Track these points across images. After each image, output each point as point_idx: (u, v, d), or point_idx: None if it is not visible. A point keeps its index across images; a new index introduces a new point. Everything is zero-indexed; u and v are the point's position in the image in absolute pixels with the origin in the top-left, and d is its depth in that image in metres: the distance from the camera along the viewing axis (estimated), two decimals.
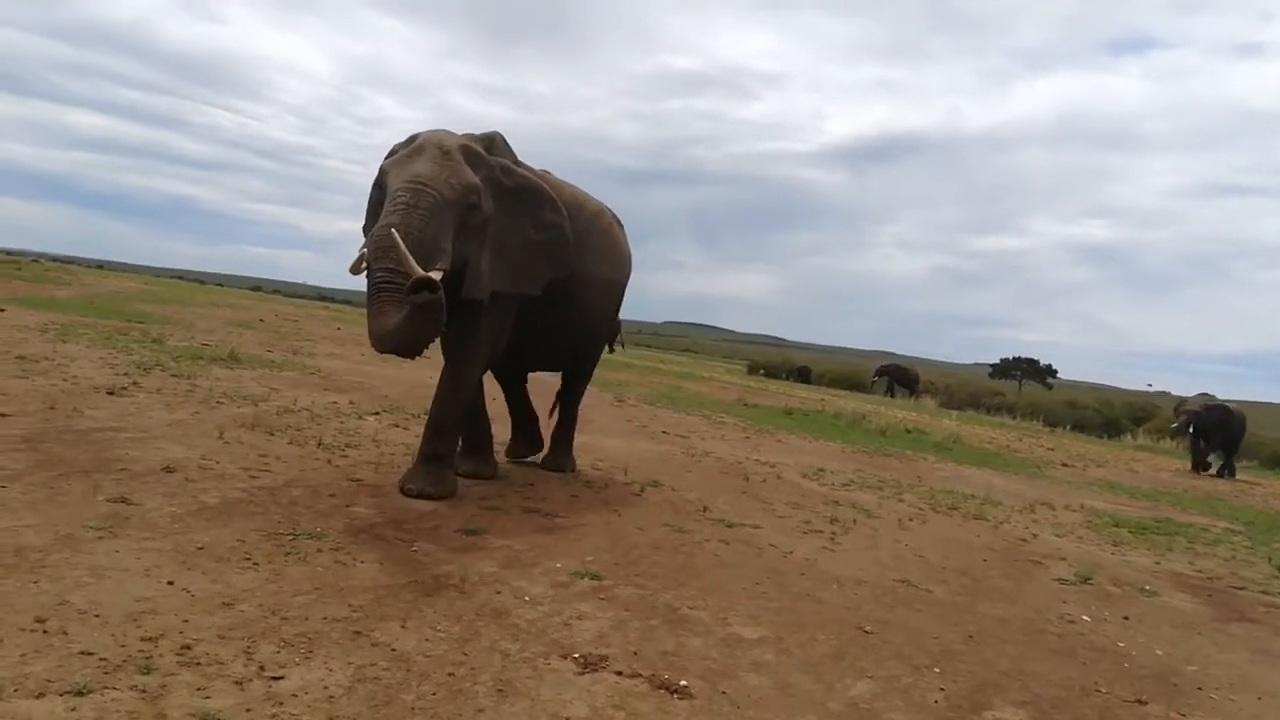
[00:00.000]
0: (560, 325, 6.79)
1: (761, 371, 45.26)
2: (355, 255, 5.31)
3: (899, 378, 40.27)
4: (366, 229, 5.87)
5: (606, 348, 33.13)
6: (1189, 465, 19.68)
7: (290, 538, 4.41)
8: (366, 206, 6.01)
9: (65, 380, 7.69)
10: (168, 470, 5.27)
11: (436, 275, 4.94)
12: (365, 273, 5.17)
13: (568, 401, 7.79)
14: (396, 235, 4.90)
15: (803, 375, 43.07)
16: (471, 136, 5.97)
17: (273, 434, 6.87)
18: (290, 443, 6.68)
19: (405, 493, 5.65)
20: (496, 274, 5.92)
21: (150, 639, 3.04)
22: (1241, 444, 20.44)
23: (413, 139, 5.75)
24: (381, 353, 5.24)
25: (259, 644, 3.15)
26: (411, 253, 4.89)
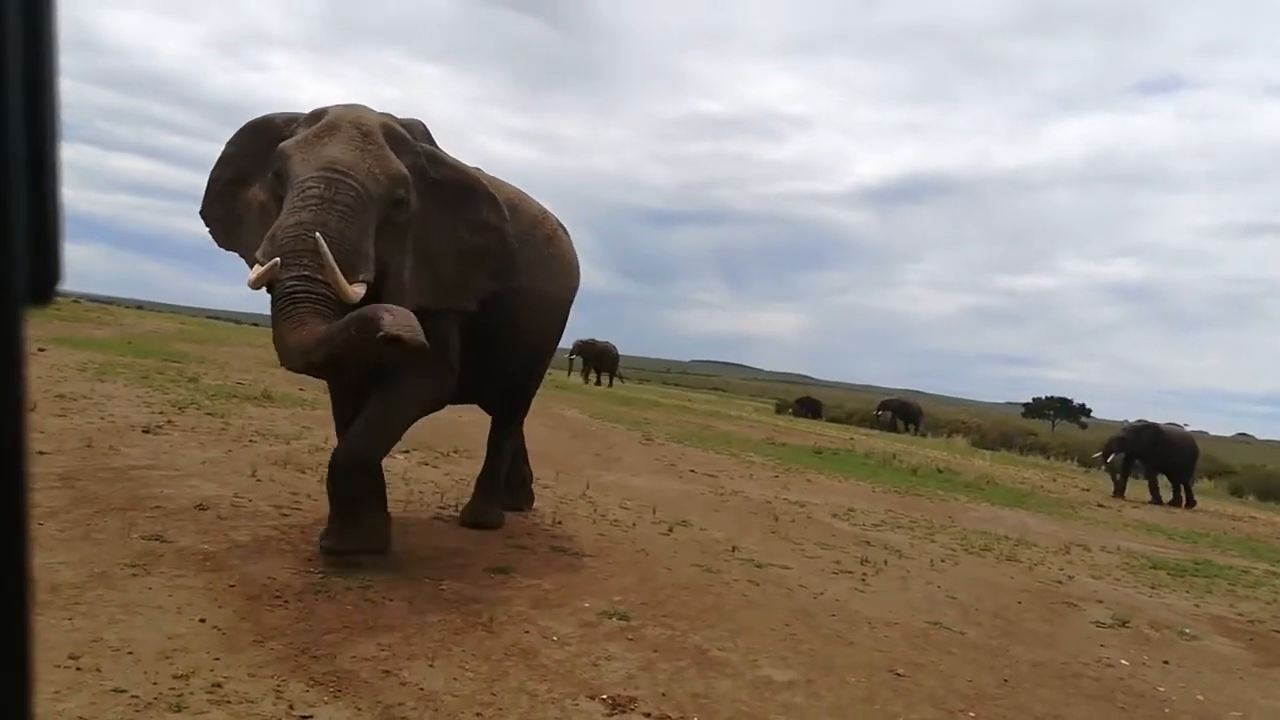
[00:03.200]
0: (491, 350, 5.64)
1: (790, 410, 44.98)
2: (258, 267, 4.15)
3: (902, 412, 40.43)
4: (204, 213, 4.99)
5: (605, 380, 33.39)
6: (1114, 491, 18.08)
7: (320, 576, 4.43)
8: (206, 185, 5.02)
9: (103, 418, 7.81)
10: (201, 508, 5.33)
11: (359, 290, 4.22)
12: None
13: (497, 441, 6.61)
14: (320, 239, 4.02)
15: (810, 408, 42.50)
16: (392, 117, 4.89)
17: (304, 471, 6.93)
18: (321, 480, 6.70)
19: (322, 551, 4.72)
20: (421, 286, 4.86)
21: (182, 676, 3.06)
22: (1195, 469, 18.85)
23: (319, 114, 4.64)
24: (296, 371, 4.38)
25: (289, 682, 3.16)
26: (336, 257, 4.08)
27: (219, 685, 3.04)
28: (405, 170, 4.61)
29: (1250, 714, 4.60)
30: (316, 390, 10.24)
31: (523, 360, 6.25)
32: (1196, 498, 18.54)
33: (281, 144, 4.49)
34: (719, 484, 10.53)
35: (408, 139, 4.80)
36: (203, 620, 3.61)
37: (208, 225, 4.99)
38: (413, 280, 4.80)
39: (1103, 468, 20.31)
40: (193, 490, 5.75)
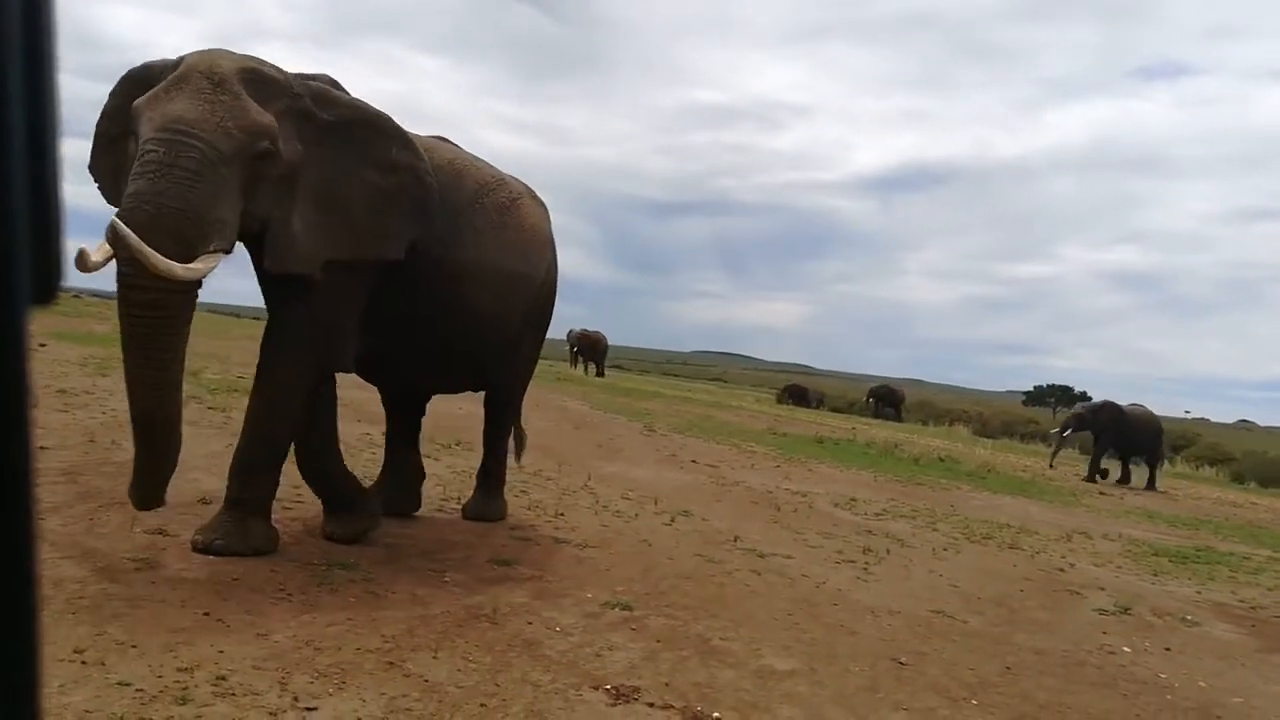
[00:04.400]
0: (438, 329, 5.25)
1: (789, 401, 45.01)
2: (102, 248, 3.66)
3: (887, 399, 41.55)
4: (92, 169, 4.64)
5: (587, 368, 33.67)
6: (1086, 474, 17.76)
7: (324, 568, 4.44)
8: (93, 138, 4.63)
9: (104, 413, 7.81)
10: (203, 501, 5.33)
11: (206, 264, 3.87)
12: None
13: (489, 434, 6.45)
14: (122, 228, 3.56)
15: (797, 395, 42.80)
16: (261, 61, 4.38)
17: None
18: None
19: (193, 546, 4.41)
20: (331, 236, 4.52)
21: (186, 669, 3.07)
22: (1160, 451, 18.52)
23: (178, 63, 4.17)
24: None
25: (293, 675, 3.17)
26: (171, 231, 3.73)
27: (223, 678, 3.05)
28: (269, 119, 4.16)
29: (1252, 699, 4.61)
30: None
31: (476, 343, 5.58)
32: (1159, 479, 18.32)
33: (135, 101, 4.07)
34: (721, 474, 10.54)
35: (279, 81, 4.35)
36: (207, 613, 3.62)
37: (96, 182, 4.63)
38: (317, 232, 4.47)
39: (1051, 448, 20.11)
40: (195, 484, 5.75)
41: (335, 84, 4.84)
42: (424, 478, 6.20)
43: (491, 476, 6.33)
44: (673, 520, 7.15)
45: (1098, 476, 17.69)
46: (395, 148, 4.78)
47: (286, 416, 4.65)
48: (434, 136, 5.62)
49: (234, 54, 4.28)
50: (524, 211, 5.83)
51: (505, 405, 6.43)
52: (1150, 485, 17.67)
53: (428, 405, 6.39)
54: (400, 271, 4.81)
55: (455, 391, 6.33)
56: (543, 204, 6.24)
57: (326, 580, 4.27)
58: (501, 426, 6.43)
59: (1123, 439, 17.85)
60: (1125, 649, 5.28)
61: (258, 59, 4.37)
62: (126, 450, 6.41)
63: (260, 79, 4.24)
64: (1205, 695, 4.59)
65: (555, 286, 6.45)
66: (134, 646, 3.20)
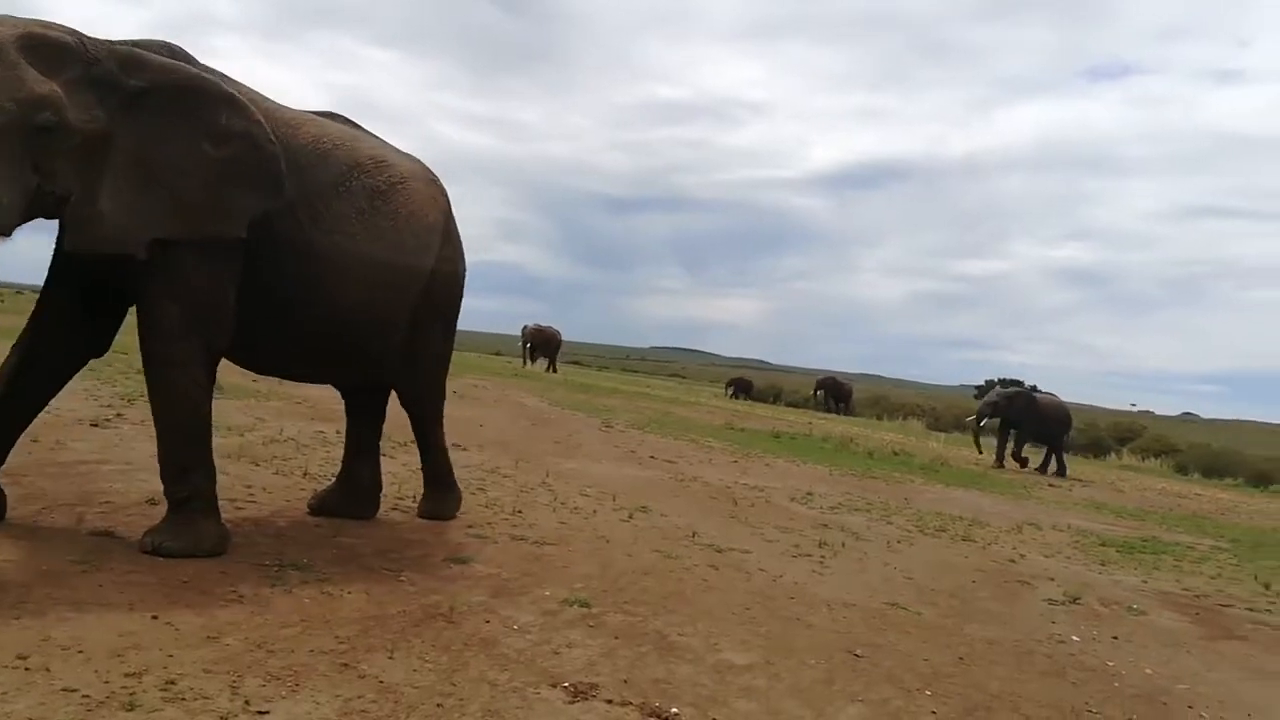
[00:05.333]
0: (301, 318, 4.88)
1: (745, 397, 45.35)
2: None
3: (835, 392, 42.30)
4: None
5: (548, 365, 33.57)
6: (995, 460, 18.28)
7: (276, 569, 4.37)
8: None
9: (47, 412, 7.57)
10: (152, 502, 5.21)
11: None
12: None
13: (417, 434, 6.12)
14: None
15: (742, 388, 43.88)
16: (50, 25, 4.01)
17: (258, 464, 6.82)
18: (276, 473, 6.64)
19: (141, 548, 4.31)
20: (153, 213, 4.20)
21: (134, 674, 3.00)
22: (1068, 438, 19.05)
23: None
24: None
25: (244, 678, 3.12)
26: None
27: (173, 682, 2.99)
28: (50, 89, 3.80)
29: (1197, 686, 4.74)
30: (269, 381, 10.08)
31: (349, 334, 5.15)
32: (1067, 464, 18.74)
33: None
34: (679, 470, 10.58)
35: (70, 47, 3.97)
36: (155, 616, 3.54)
37: None
38: (135, 209, 4.16)
39: (970, 432, 20.50)
40: (144, 485, 5.63)
41: (175, 51, 4.50)
42: (380, 487, 6.02)
43: (435, 474, 6.15)
44: (631, 516, 7.16)
45: (1013, 463, 18.13)
46: (225, 114, 4.38)
47: (192, 406, 4.47)
48: (323, 112, 5.38)
49: (17, 19, 3.93)
50: (406, 197, 5.33)
51: (417, 403, 5.96)
52: (1058, 470, 18.13)
53: (385, 406, 6.13)
54: (259, 254, 4.54)
55: (343, 384, 5.92)
56: (438, 189, 5.73)
57: (280, 581, 4.21)
58: (423, 423, 6.04)
59: (1034, 426, 18.28)
60: (1074, 638, 5.39)
61: (47, 23, 4.01)
62: (71, 450, 6.29)
63: (45, 45, 3.88)
64: (1151, 682, 4.71)
65: (456, 278, 5.97)
66: (80, 651, 3.12)
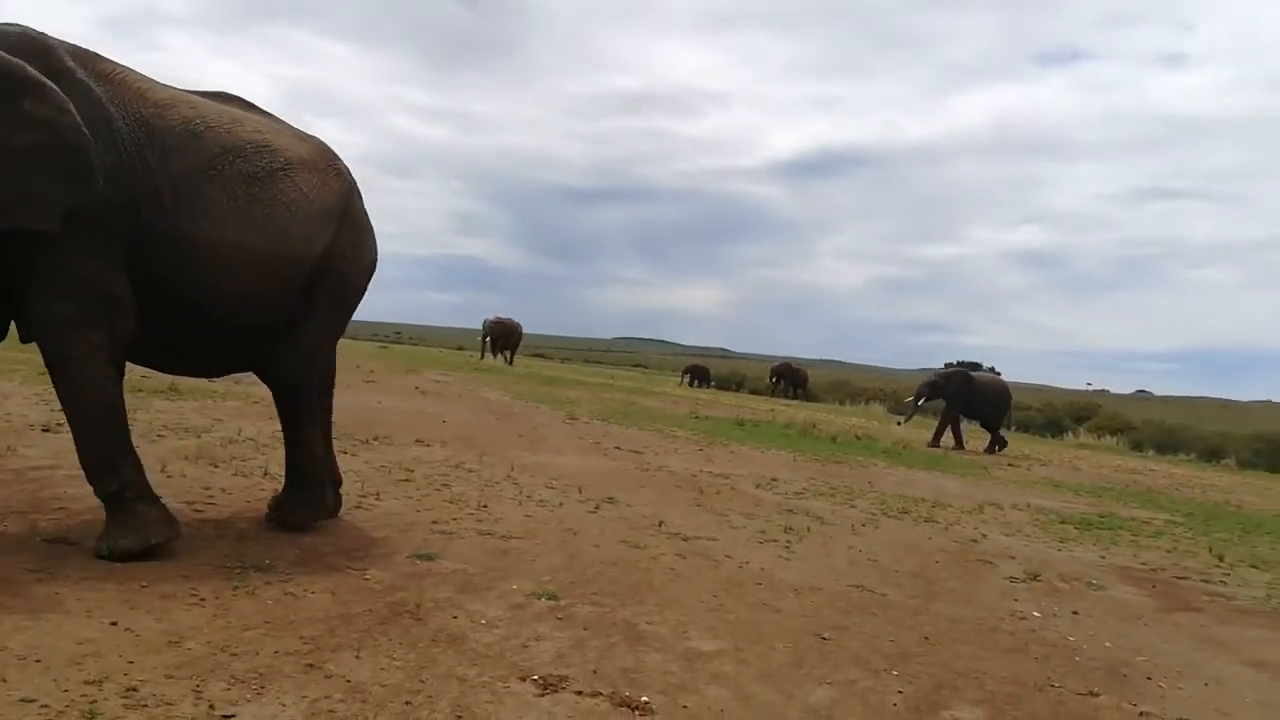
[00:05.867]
0: (170, 307, 4.64)
1: (712, 385, 45.58)
2: None
3: (791, 378, 42.94)
4: None
5: (508, 358, 33.35)
6: (931, 439, 18.53)
7: (238, 571, 4.31)
8: None
9: None
10: None
11: None
12: None
13: (284, 427, 5.53)
14: None
15: (698, 375, 44.38)
16: None
17: (216, 466, 6.72)
18: (235, 474, 6.55)
19: (96, 554, 4.25)
20: None
21: (94, 682, 2.95)
22: (1007, 415, 19.18)
23: None
24: None
25: (208, 682, 3.08)
26: None
27: (134, 689, 2.93)
28: None
29: (1155, 658, 4.84)
30: (226, 381, 9.93)
31: (225, 323, 4.91)
32: (1007, 440, 19.04)
33: None
34: (644, 460, 10.59)
35: None
36: (114, 623, 3.48)
37: None
38: None
39: (904, 415, 20.83)
40: None
41: (31, 35, 4.29)
42: (339, 484, 5.86)
43: (295, 473, 5.46)
44: (597, 508, 7.16)
45: (950, 441, 18.38)
46: (29, 101, 4.10)
47: (101, 397, 4.37)
48: (214, 93, 5.12)
49: None
50: (290, 182, 5.02)
51: (292, 394, 5.46)
52: (997, 445, 18.39)
53: (332, 403, 6.00)
54: (131, 242, 4.38)
55: (219, 373, 5.63)
56: (334, 175, 5.37)
57: (242, 583, 4.15)
58: (296, 416, 5.47)
59: (972, 405, 18.54)
60: (1035, 614, 5.48)
61: None
62: (23, 456, 6.15)
63: None
64: (1111, 655, 4.80)
65: (356, 266, 5.55)
66: (37, 660, 3.05)
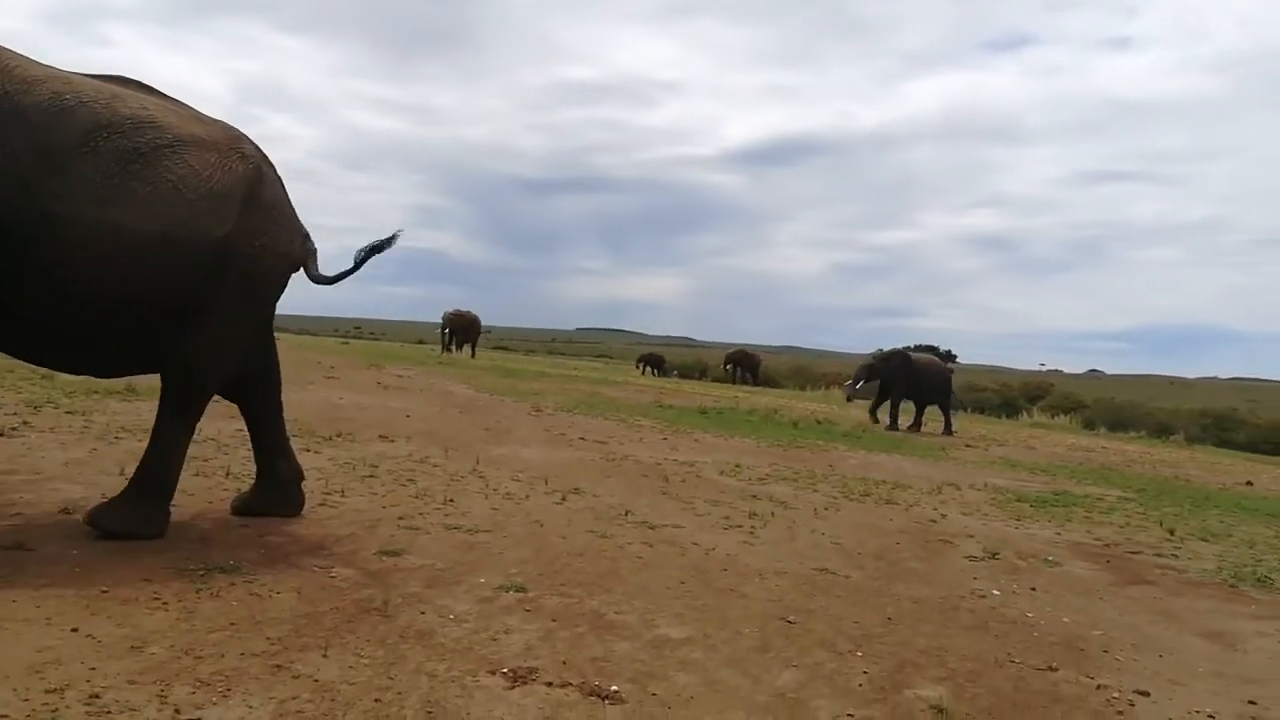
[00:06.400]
0: (53, 299, 4.41)
1: (675, 373, 45.78)
2: None
3: (745, 364, 43.45)
4: None
5: (468, 351, 33.05)
6: (871, 419, 18.81)
7: (201, 573, 4.27)
8: None
9: None
10: (66, 512, 5.04)
11: None
12: None
13: (160, 414, 5.09)
14: None
15: (653, 363, 44.93)
16: None
17: None
18: (196, 474, 6.46)
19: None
20: None
21: (55, 690, 2.91)
22: (950, 397, 19.15)
23: None
24: None
25: (173, 686, 3.05)
26: None
27: (97, 696, 2.91)
28: None
29: (1110, 631, 4.97)
30: None
31: (101, 314, 4.58)
32: (955, 424, 19.25)
33: None
34: (609, 450, 10.61)
35: None
36: (75, 629, 3.43)
37: None
38: None
39: (847, 394, 21.00)
40: (56, 493, 5.44)
41: None
42: (300, 479, 5.77)
43: (141, 474, 4.94)
44: (564, 499, 7.17)
45: (884, 421, 18.55)
46: None
47: None
48: (108, 76, 4.86)
49: None
50: (178, 161, 4.66)
51: (176, 388, 5.06)
52: (946, 430, 18.58)
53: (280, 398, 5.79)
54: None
55: (118, 372, 5.24)
56: (238, 155, 4.99)
57: (205, 585, 4.11)
58: (170, 410, 5.04)
59: (912, 387, 18.64)
60: (995, 591, 5.60)
61: None
62: None
63: None
64: (1068, 630, 4.92)
65: (265, 252, 5.07)
66: None
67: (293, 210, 5.42)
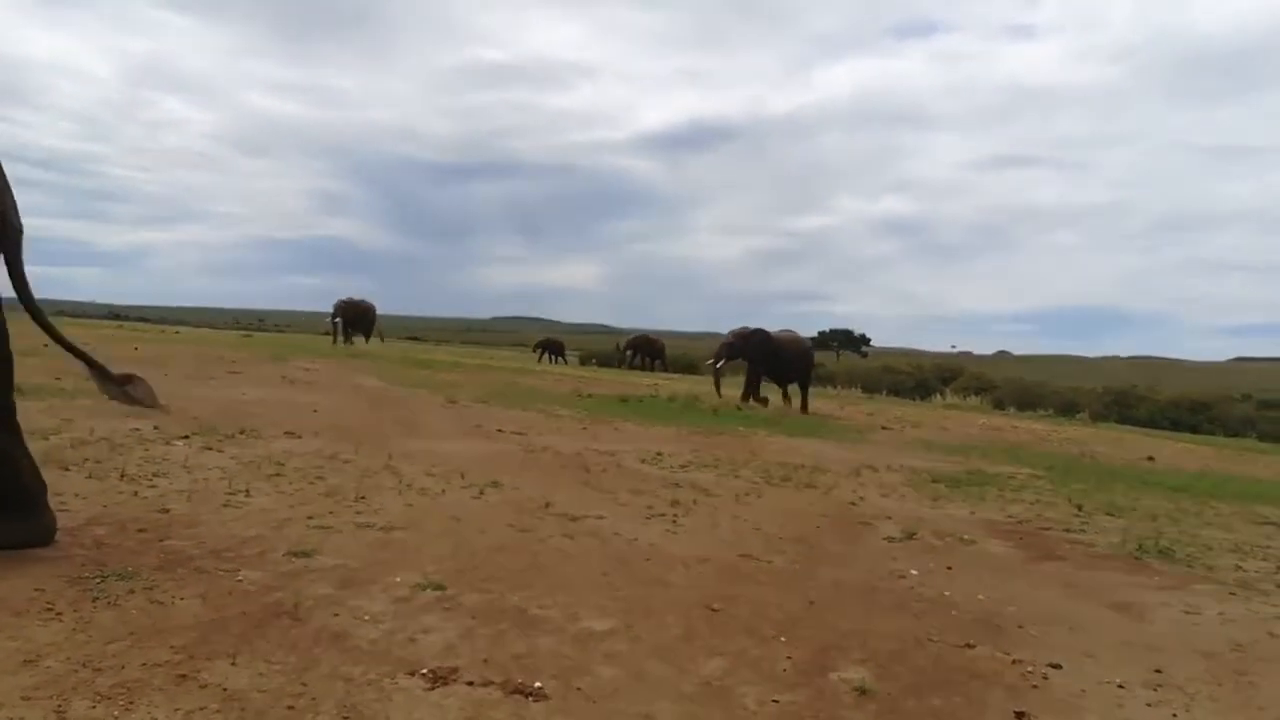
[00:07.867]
0: None
1: (594, 361, 45.65)
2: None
3: (648, 350, 42.61)
4: None
5: (363, 341, 31.88)
6: (743, 397, 18.79)
7: (97, 581, 4.04)
8: None
9: None
10: None
11: None
12: None
13: None
14: None
15: (551, 349, 44.50)
16: None
17: (68, 469, 6.28)
18: (89, 477, 6.14)
19: None
20: None
21: None
22: (810, 374, 19.58)
23: None
24: None
25: (71, 701, 2.87)
26: None
27: None
28: None
29: (1025, 607, 5.09)
30: (75, 379, 9.31)
31: None
32: (811, 401, 19.59)
33: None
34: (528, 441, 10.49)
35: None
36: None
37: None
38: None
39: (711, 372, 21.12)
40: None
41: None
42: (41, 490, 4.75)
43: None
44: (482, 492, 7.04)
45: (753, 401, 18.71)
46: None
47: None
48: None
49: None
50: None
51: None
52: (803, 408, 18.88)
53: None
54: None
55: None
56: None
57: (102, 594, 3.89)
58: None
59: (774, 364, 18.87)
60: (913, 571, 5.69)
61: None
62: None
63: None
64: (985, 607, 5.03)
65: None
66: None
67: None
